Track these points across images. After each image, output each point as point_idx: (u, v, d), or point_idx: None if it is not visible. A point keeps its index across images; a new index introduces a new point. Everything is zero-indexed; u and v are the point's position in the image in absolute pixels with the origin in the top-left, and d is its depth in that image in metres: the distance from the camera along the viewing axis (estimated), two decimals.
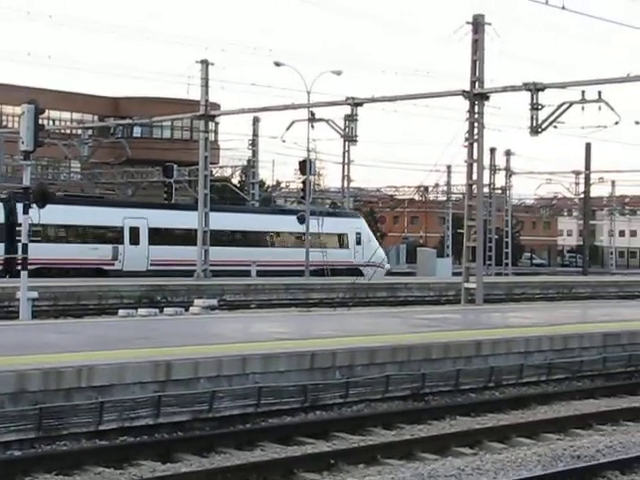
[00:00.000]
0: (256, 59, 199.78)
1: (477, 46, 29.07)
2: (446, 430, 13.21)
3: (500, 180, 74.25)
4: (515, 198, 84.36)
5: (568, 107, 29.61)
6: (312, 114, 41.42)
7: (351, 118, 37.01)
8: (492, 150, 71.65)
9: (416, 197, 77.52)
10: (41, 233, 37.44)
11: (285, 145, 63.66)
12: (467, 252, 29.71)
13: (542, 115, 29.70)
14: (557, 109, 29.65)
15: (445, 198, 79.14)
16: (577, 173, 74.76)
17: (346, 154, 60.24)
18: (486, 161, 63.44)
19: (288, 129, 41.87)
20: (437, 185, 74.57)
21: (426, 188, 77.81)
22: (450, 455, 11.68)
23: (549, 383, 17.34)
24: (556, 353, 17.71)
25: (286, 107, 38.28)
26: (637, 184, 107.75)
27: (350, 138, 38.62)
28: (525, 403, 15.35)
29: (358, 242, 49.78)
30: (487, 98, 29.52)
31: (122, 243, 42.03)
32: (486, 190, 67.07)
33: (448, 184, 76.74)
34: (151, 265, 42.14)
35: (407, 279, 44.66)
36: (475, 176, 29.63)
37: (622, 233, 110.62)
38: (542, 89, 29.51)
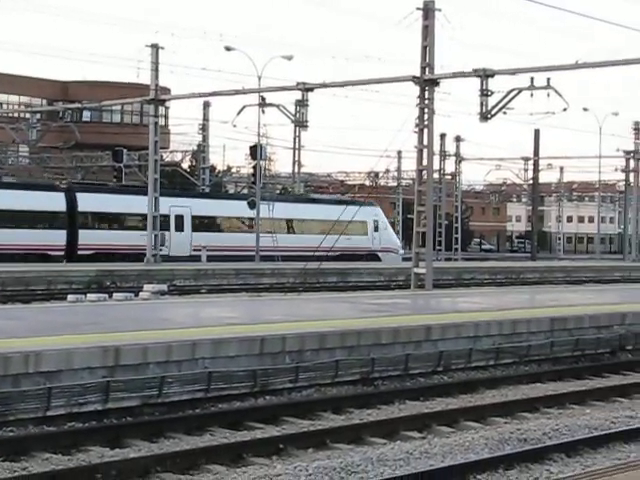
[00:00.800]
0: (207, 43, 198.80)
1: (427, 32, 29.12)
2: (395, 414, 13.28)
3: (450, 166, 74.70)
4: (465, 184, 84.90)
5: (517, 93, 29.79)
6: (263, 99, 41.34)
7: (302, 103, 36.94)
8: (442, 136, 71.98)
9: (367, 182, 77.66)
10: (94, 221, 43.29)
11: (236, 130, 63.57)
12: (417, 237, 29.83)
13: (492, 101, 29.86)
14: (506, 95, 29.81)
15: (395, 184, 79.41)
16: (526, 159, 75.34)
17: (297, 139, 60.25)
18: (436, 147, 63.69)
19: (239, 114, 41.79)
20: (388, 171, 74.80)
21: (377, 174, 77.92)
22: (399, 439, 11.75)
23: (497, 367, 17.47)
24: (504, 338, 17.85)
25: (237, 92, 38.14)
26: (585, 170, 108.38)
27: (301, 123, 38.56)
28: (473, 387, 15.46)
29: (376, 229, 52.77)
30: (437, 84, 29.61)
31: (168, 230, 44.49)
32: (436, 176, 67.46)
33: (398, 170, 77.02)
34: (193, 250, 44.43)
35: (357, 264, 44.75)
36: (425, 162, 29.72)
37: (570, 219, 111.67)
38: (492, 75, 29.64)
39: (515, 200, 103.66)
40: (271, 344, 14.39)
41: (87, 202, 43.44)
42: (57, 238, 41.80)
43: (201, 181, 58.02)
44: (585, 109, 63.92)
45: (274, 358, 14.40)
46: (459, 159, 73.33)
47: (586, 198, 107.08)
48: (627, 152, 66.60)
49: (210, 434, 11.90)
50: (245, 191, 59.34)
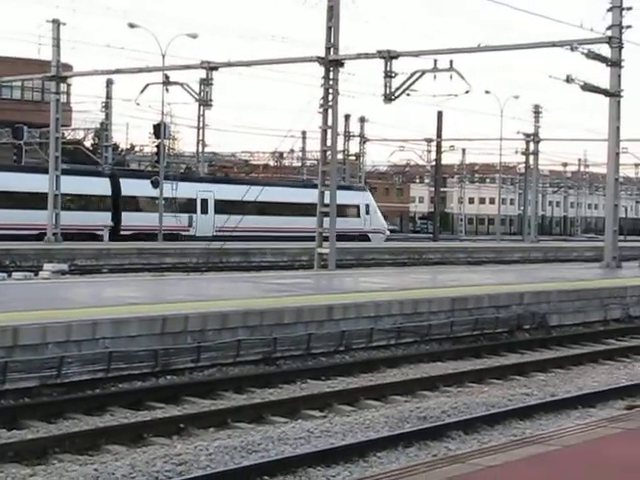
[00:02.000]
0: (109, 20, 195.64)
1: (332, 13, 29.14)
2: (297, 394, 13.31)
3: (354, 147, 75.03)
4: (369, 165, 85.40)
5: (421, 75, 29.99)
6: (167, 77, 40.85)
7: (206, 82, 36.60)
8: (347, 117, 72.15)
9: (271, 162, 77.55)
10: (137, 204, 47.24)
11: (139, 108, 62.72)
12: (320, 218, 29.90)
13: (396, 83, 30.02)
14: (410, 77, 29.98)
15: (300, 164, 79.49)
16: (429, 141, 76.13)
17: (201, 118, 59.80)
18: (340, 128, 63.90)
19: (142, 92, 41.18)
20: (292, 151, 74.85)
21: (281, 154, 77.86)
22: (300, 418, 11.78)
23: (399, 347, 17.64)
24: (406, 317, 18.02)
25: (140, 70, 37.66)
26: (486, 152, 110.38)
27: (205, 102, 38.22)
28: (375, 366, 15.59)
29: (367, 212, 56.33)
30: (342, 65, 29.67)
31: (195, 212, 48.73)
32: (340, 156, 67.62)
33: (303, 150, 77.11)
34: (217, 231, 45.99)
35: (261, 244, 44.71)
36: (329, 142, 29.78)
37: (472, 200, 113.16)
38: (396, 57, 29.79)
39: (418, 181, 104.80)
40: (173, 324, 14.29)
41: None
42: None
43: (104, 159, 57.23)
44: (487, 92, 64.69)
45: (176, 338, 14.31)
46: (363, 140, 73.68)
47: (487, 180, 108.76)
48: (527, 135, 67.68)
49: (110, 414, 11.78)
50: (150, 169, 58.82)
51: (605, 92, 29.80)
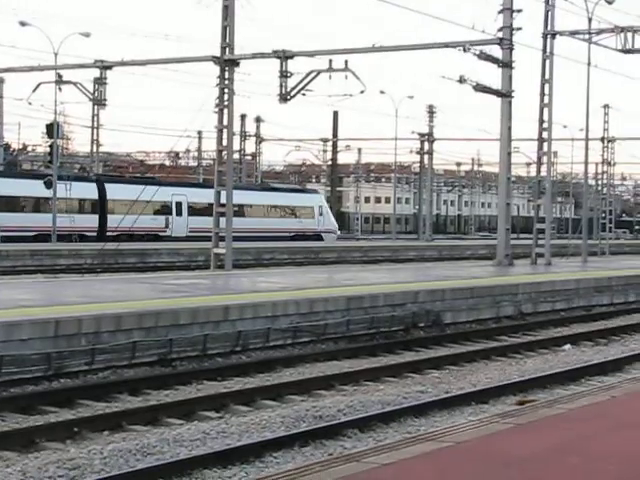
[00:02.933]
0: None
1: (227, 12, 29.03)
2: (192, 395, 13.24)
3: (251, 146, 74.92)
4: (265, 164, 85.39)
5: (316, 75, 30.06)
6: (60, 76, 40.23)
7: (100, 81, 36.13)
8: (243, 117, 72.02)
9: (167, 162, 76.96)
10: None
11: (32, 108, 61.73)
12: (216, 218, 29.76)
13: (291, 83, 30.04)
14: (305, 77, 30.03)
15: (196, 164, 79.07)
16: (325, 140, 76.46)
17: (95, 118, 59.01)
18: (237, 127, 63.63)
19: (34, 91, 40.53)
20: (188, 151, 74.41)
21: (177, 154, 77.34)
22: (196, 419, 11.73)
23: (295, 346, 17.67)
24: (302, 317, 18.06)
25: (32, 68, 36.94)
26: (382, 152, 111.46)
27: (99, 102, 37.75)
28: (271, 366, 15.58)
29: (320, 214, 60.18)
30: (237, 64, 29.56)
31: (171, 214, 52.09)
32: (236, 156, 67.41)
33: (199, 150, 76.71)
34: (190, 232, 50.85)
35: (157, 245, 44.32)
36: (225, 142, 29.66)
37: (367, 200, 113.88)
38: (291, 57, 29.80)
39: (314, 181, 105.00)
40: (66, 326, 14.08)
41: None
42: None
43: None
44: (382, 92, 65.23)
45: (69, 340, 14.10)
46: (259, 140, 73.65)
47: (383, 179, 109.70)
48: (421, 134, 68.38)
49: (1, 419, 11.54)
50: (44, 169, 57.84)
51: (497, 93, 30.32)
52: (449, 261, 45.78)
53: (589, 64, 36.50)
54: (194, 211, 52.11)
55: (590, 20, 35.08)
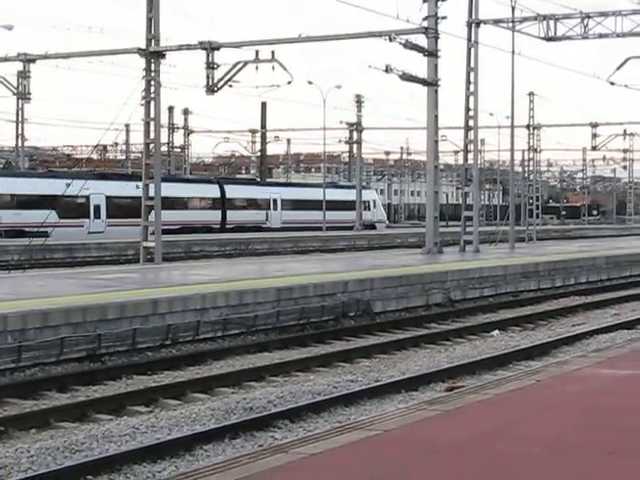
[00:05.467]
0: None
1: (152, 4, 28.78)
2: (122, 390, 13.17)
3: (179, 138, 74.47)
4: (194, 157, 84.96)
5: (243, 66, 29.95)
6: None
7: (24, 75, 35.69)
8: (170, 109, 71.55)
9: (94, 156, 76.17)
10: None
11: None
12: (146, 210, 29.54)
13: (218, 74, 29.90)
14: (232, 68, 29.89)
15: (124, 157, 78.38)
16: (253, 132, 76.24)
17: (19, 112, 58.18)
18: (164, 120, 63.19)
19: None
20: (116, 144, 73.69)
21: (105, 147, 76.58)
22: (125, 414, 11.65)
23: (225, 338, 17.64)
24: (232, 309, 18.04)
25: None
26: (311, 142, 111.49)
27: (23, 95, 37.29)
28: (201, 359, 15.55)
29: (374, 206, 71.37)
30: (163, 56, 29.32)
31: (269, 209, 61.84)
32: (164, 149, 66.97)
33: (127, 143, 76.01)
34: (283, 223, 61.14)
35: (87, 239, 43.87)
36: (153, 134, 29.43)
37: None
38: (217, 48, 29.65)
39: (244, 172, 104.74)
40: None
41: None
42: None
43: None
44: (310, 82, 65.18)
45: None
46: (188, 132, 73.24)
47: (313, 169, 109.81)
48: (350, 124, 68.57)
49: None
50: None
51: (423, 81, 30.49)
52: (379, 250, 45.94)
53: (513, 52, 36.84)
54: (286, 206, 62.67)
55: (513, 9, 35.41)
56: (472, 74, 33.74)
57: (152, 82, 29.08)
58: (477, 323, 20.84)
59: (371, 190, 76.19)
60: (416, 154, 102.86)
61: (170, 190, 52.27)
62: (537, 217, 54.48)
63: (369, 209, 70.41)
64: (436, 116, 31.97)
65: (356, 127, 68.33)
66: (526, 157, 63.10)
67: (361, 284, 21.39)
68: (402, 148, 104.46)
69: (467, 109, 34.01)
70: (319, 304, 19.94)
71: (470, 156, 35.30)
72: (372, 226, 69.38)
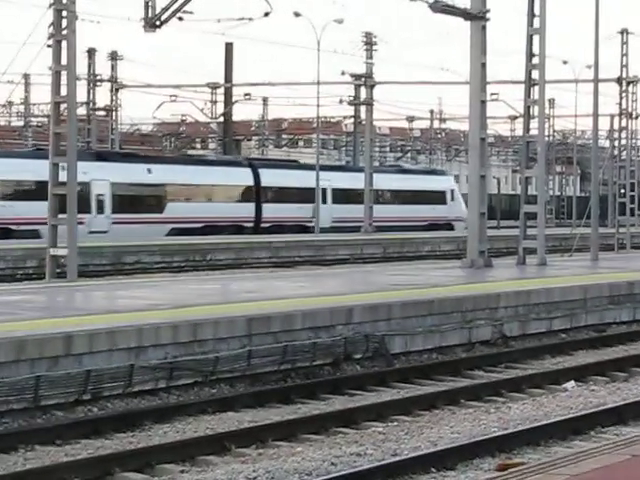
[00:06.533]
0: None
1: None
2: (18, 467, 13.18)
3: (104, 97, 74.50)
4: (126, 123, 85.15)
5: None
6: None
7: None
8: (91, 52, 71.82)
9: None
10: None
11: None
12: (55, 202, 29.57)
13: (162, 1, 29.98)
14: None
15: (22, 123, 78.44)
16: (214, 87, 76.15)
17: None
18: (82, 68, 63.30)
19: None
20: (10, 103, 73.70)
21: None
22: None
23: (171, 391, 17.64)
24: (181, 347, 18.03)
25: None
26: (298, 103, 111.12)
27: None
28: (136, 422, 15.52)
29: (452, 198, 74.30)
30: None
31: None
32: (82, 111, 67.03)
33: (26, 102, 76.09)
34: (333, 222, 65.56)
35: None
36: (65, 90, 29.48)
37: None
38: None
39: (200, 146, 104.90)
40: None
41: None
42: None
43: None
44: (297, 14, 65.25)
45: None
46: (116, 86, 73.30)
47: (301, 142, 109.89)
48: (356, 76, 68.46)
49: None
50: None
51: (464, 13, 30.64)
52: (399, 262, 46.01)
53: None
54: (338, 198, 66.83)
55: None
56: (537, 3, 33.80)
57: (63, 12, 29.13)
58: (543, 370, 20.84)
59: (447, 176, 79.54)
60: (453, 121, 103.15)
61: (189, 175, 60.18)
62: (632, 214, 54.49)
63: (444, 202, 74.12)
64: (483, 64, 32.07)
65: (365, 81, 68.37)
66: (616, 126, 63.20)
67: (372, 312, 21.39)
68: (432, 112, 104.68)
69: (529, 55, 34.07)
70: (310, 341, 19.93)
71: (534, 124, 35.37)
72: (448, 226, 72.58)
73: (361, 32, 68.76)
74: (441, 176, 77.84)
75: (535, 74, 34.15)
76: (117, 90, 72.92)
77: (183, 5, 30.15)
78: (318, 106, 69.39)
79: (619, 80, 60.62)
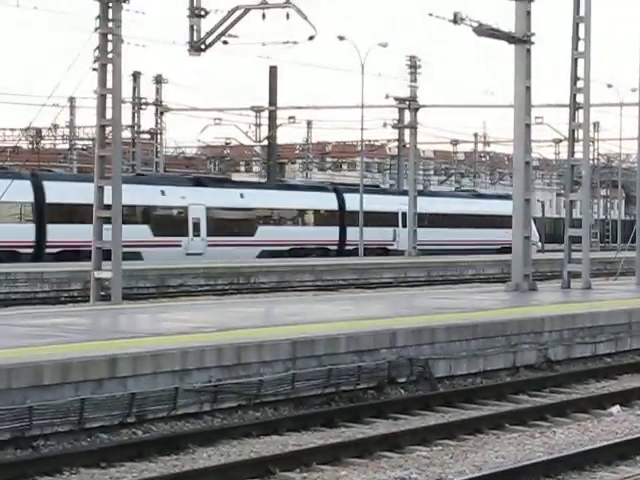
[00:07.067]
0: None
1: None
2: None
3: (148, 120, 74.75)
4: (170, 146, 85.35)
5: (243, 13, 30.16)
6: None
7: None
8: (136, 75, 72.08)
9: (24, 144, 76.57)
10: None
11: None
12: (98, 225, 29.67)
13: (207, 25, 30.06)
14: (228, 16, 30.11)
15: (67, 145, 78.74)
16: (258, 110, 76.19)
17: None
18: (127, 92, 63.58)
19: None
20: (55, 126, 74.05)
21: (39, 131, 77.09)
22: None
23: (215, 414, 17.65)
24: (225, 371, 18.03)
25: None
26: (341, 127, 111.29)
27: None
28: (180, 445, 15.55)
29: None
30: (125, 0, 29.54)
31: (397, 226, 70.67)
32: (127, 134, 67.32)
33: (71, 125, 76.43)
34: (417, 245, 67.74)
35: (10, 267, 44.08)
36: (110, 114, 29.62)
37: None
38: None
39: (244, 169, 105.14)
40: None
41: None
42: None
43: None
44: (341, 38, 65.45)
45: None
46: (161, 110, 73.51)
47: (345, 165, 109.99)
48: (400, 100, 68.43)
49: None
50: None
51: (508, 37, 30.58)
52: (442, 285, 45.95)
53: None
54: (419, 221, 68.73)
55: None
56: (582, 26, 33.71)
57: (109, 36, 29.28)
58: (588, 395, 20.76)
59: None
60: (497, 144, 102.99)
61: (278, 200, 63.87)
62: None
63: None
64: (528, 88, 32.02)
65: (409, 104, 68.36)
66: None
67: (416, 336, 21.35)
68: (477, 135, 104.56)
69: (574, 78, 33.97)
70: (354, 365, 19.90)
71: (578, 148, 35.26)
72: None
73: (405, 55, 68.71)
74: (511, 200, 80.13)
75: (580, 97, 34.05)
76: (162, 113, 73.17)
77: (228, 29, 30.24)
78: (362, 129, 69.52)
79: None
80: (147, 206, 56.50)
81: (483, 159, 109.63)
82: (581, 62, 33.75)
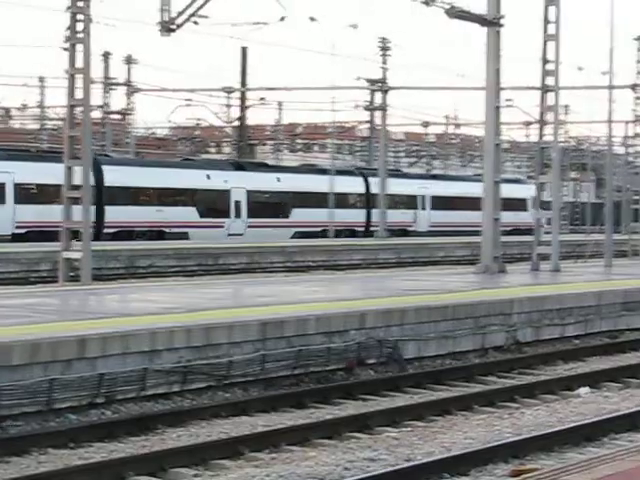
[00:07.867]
0: None
1: None
2: (31, 470, 13.20)
3: (119, 100, 74.55)
4: (141, 127, 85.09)
5: None
6: None
7: None
8: (106, 56, 71.85)
9: None
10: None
11: None
12: (68, 205, 29.58)
13: (178, 5, 29.99)
14: None
15: (38, 126, 78.49)
16: (229, 91, 76.06)
17: None
18: (97, 72, 63.43)
19: None
20: (24, 106, 73.75)
21: (7, 111, 76.84)
22: None
23: (185, 395, 17.64)
24: (195, 351, 18.04)
25: None
26: (312, 108, 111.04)
27: None
28: (149, 426, 15.55)
29: (532, 206, 74.39)
30: None
31: (416, 208, 73.89)
32: (97, 114, 67.11)
33: (41, 105, 76.17)
34: (430, 226, 73.41)
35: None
36: (80, 94, 29.51)
37: None
38: None
39: (215, 150, 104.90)
40: None
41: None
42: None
43: None
44: (312, 19, 64.87)
45: None
46: (131, 90, 73.33)
47: (315, 146, 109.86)
48: (371, 81, 68.38)
49: None
50: None
51: (480, 19, 30.59)
52: (412, 267, 46.01)
53: None
54: (435, 204, 74.09)
55: None
56: (552, 9, 33.74)
57: (79, 16, 29.16)
58: (556, 377, 20.84)
59: (528, 185, 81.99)
60: (468, 126, 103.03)
61: (312, 184, 67.08)
62: None
63: (526, 209, 79.57)
64: (497, 70, 32.03)
65: (380, 86, 68.28)
66: (631, 132, 63.08)
67: (385, 317, 21.38)
68: (447, 117, 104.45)
69: (544, 61, 34.02)
70: (323, 346, 19.93)
71: (548, 130, 35.30)
72: (529, 231, 76.83)
73: (376, 37, 68.66)
74: (523, 185, 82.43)
75: (550, 80, 34.10)
76: (132, 94, 72.99)
77: (199, 9, 30.14)
78: (333, 111, 69.58)
79: (634, 87, 60.48)
80: (195, 189, 59.52)
81: (454, 141, 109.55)
82: (551, 45, 33.80)
